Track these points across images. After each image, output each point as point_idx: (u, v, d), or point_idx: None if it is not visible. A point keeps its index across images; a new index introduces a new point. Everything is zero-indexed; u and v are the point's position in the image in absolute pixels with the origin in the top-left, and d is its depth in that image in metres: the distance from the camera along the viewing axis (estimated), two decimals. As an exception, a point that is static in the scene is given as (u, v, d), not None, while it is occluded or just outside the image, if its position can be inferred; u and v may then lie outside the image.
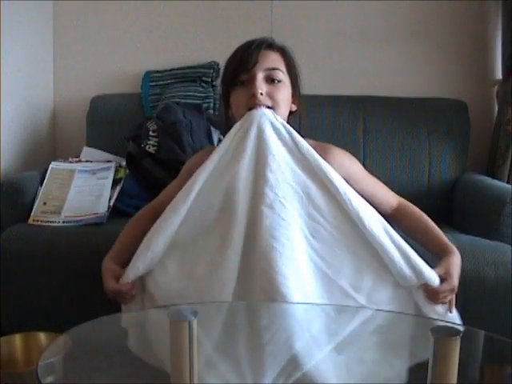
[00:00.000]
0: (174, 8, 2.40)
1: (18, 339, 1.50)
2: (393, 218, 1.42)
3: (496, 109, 2.25)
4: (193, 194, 1.26)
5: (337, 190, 1.24)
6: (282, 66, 1.33)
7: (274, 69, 1.30)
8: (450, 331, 0.89)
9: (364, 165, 1.56)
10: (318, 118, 2.17)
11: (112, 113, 2.28)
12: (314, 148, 1.32)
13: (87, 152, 2.21)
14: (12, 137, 2.19)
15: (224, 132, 1.96)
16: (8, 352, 1.47)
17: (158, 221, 1.28)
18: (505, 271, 1.55)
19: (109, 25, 2.44)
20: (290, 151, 1.27)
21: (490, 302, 1.56)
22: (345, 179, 1.33)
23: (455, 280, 1.28)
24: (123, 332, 1.24)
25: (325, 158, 1.31)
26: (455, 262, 1.31)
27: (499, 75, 2.24)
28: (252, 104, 1.28)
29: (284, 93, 1.31)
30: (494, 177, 2.09)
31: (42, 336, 1.50)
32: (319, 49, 2.37)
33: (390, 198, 1.43)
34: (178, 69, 2.35)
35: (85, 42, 2.46)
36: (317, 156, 1.27)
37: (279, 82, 1.31)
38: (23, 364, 1.48)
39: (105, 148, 2.21)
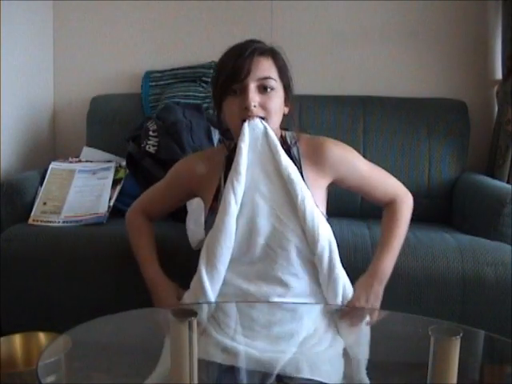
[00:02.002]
0: (174, 8, 2.40)
1: (17, 339, 1.50)
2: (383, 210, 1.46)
3: (496, 109, 2.25)
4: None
5: (301, 210, 1.25)
6: (274, 73, 1.32)
7: (266, 78, 1.30)
8: (450, 331, 0.89)
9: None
10: (318, 118, 2.16)
11: (112, 113, 2.28)
12: (307, 145, 1.35)
13: (87, 152, 2.21)
14: (12, 137, 2.19)
15: (222, 133, 1.98)
16: (8, 352, 1.47)
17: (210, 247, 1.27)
18: (505, 271, 1.55)
19: (109, 25, 2.44)
20: (276, 165, 1.30)
21: (490, 302, 1.55)
22: (339, 179, 1.38)
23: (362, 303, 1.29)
24: (123, 332, 1.24)
25: (317, 158, 1.34)
26: (370, 288, 1.31)
27: (499, 75, 2.24)
28: (245, 116, 1.29)
29: (276, 101, 1.32)
30: (493, 177, 2.09)
31: (42, 336, 1.51)
32: (319, 49, 2.37)
33: (387, 195, 1.44)
34: (178, 69, 2.35)
35: (85, 42, 2.46)
36: (291, 170, 1.28)
37: (272, 89, 1.30)
38: (23, 364, 1.48)
39: (105, 148, 2.21)
